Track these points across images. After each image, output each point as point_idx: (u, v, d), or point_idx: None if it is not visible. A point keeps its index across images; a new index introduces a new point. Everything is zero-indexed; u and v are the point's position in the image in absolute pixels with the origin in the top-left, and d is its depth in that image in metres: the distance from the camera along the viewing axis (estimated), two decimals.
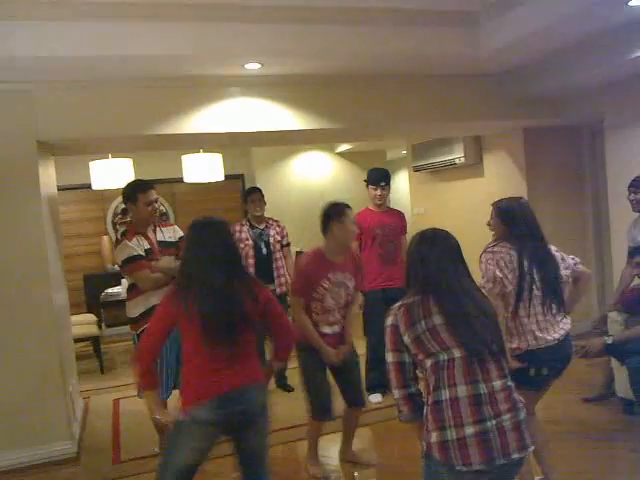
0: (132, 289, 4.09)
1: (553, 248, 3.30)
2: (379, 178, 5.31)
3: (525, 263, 3.11)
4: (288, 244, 5.96)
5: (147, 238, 4.10)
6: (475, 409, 2.20)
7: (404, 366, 2.32)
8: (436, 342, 2.25)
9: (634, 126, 5.28)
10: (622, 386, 4.45)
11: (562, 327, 3.20)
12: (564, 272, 3.27)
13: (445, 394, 2.23)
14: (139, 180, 4.32)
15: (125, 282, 4.67)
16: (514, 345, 3.14)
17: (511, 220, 3.25)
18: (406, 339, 2.29)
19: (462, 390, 2.22)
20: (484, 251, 3.24)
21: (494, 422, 2.19)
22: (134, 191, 4.13)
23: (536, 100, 5.67)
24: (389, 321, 2.35)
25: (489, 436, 2.17)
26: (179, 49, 4.01)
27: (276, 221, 5.96)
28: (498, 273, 3.10)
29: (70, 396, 4.79)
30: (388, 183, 5.35)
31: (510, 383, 2.32)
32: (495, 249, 3.19)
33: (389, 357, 2.34)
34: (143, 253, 4.01)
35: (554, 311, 3.18)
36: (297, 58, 4.40)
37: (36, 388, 4.43)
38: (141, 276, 3.94)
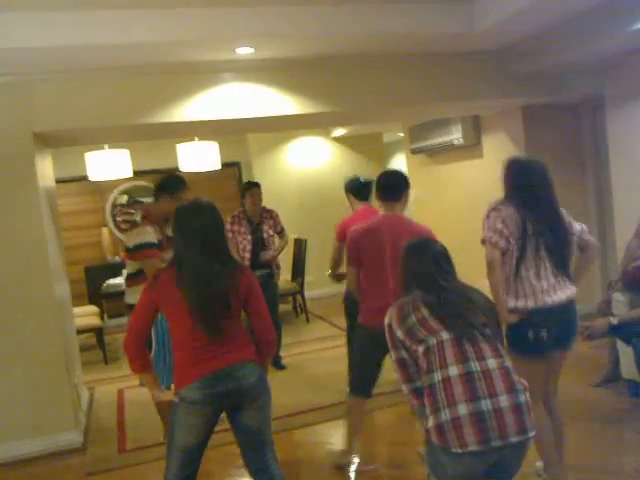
0: (135, 276, 4.09)
1: (562, 211, 3.21)
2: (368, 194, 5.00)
3: (529, 223, 3.04)
4: (282, 229, 6.07)
5: (161, 231, 4.14)
6: (468, 387, 2.23)
7: (405, 362, 2.45)
8: (425, 329, 2.36)
9: (635, 100, 5.24)
10: (628, 368, 4.41)
11: (565, 292, 3.09)
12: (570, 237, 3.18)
13: (437, 376, 2.29)
14: (182, 177, 4.33)
15: (125, 271, 4.66)
16: (512, 304, 3.05)
17: (513, 180, 3.21)
18: (399, 334, 2.42)
19: (453, 369, 2.27)
20: (490, 209, 3.16)
21: (489, 402, 2.21)
22: (179, 185, 4.17)
23: (535, 77, 5.62)
24: (386, 321, 2.51)
25: (484, 416, 2.19)
26: (171, 35, 3.99)
27: (269, 211, 6.05)
28: (503, 227, 3.03)
29: (75, 387, 4.81)
30: None
31: (508, 364, 2.33)
32: (500, 207, 3.12)
33: (392, 355, 2.50)
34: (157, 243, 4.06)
35: (558, 274, 3.09)
36: (290, 41, 4.36)
37: (42, 379, 4.45)
38: (152, 264, 3.92)
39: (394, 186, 3.75)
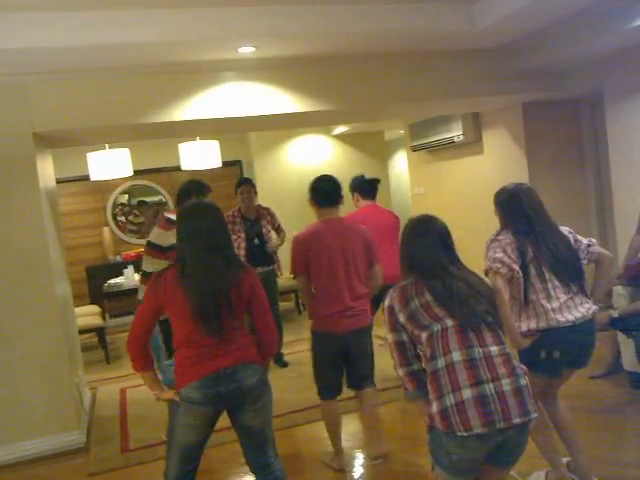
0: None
1: (565, 230, 3.19)
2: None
3: (530, 248, 3.03)
4: (279, 226, 6.20)
5: None
6: (471, 372, 2.26)
7: (404, 345, 2.43)
8: (429, 315, 2.37)
9: (634, 96, 5.24)
10: (629, 360, 4.45)
11: (580, 310, 3.04)
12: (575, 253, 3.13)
13: (441, 362, 2.30)
14: (205, 182, 4.36)
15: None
16: (524, 327, 3.04)
17: (504, 209, 3.21)
18: (401, 318, 2.41)
19: (457, 355, 2.29)
20: (490, 241, 3.16)
21: (492, 385, 2.24)
22: (205, 189, 4.23)
23: (535, 73, 5.61)
24: (386, 303, 2.49)
25: (488, 400, 2.22)
26: (172, 35, 3.99)
27: (266, 209, 6.15)
28: (504, 256, 3.01)
29: (77, 387, 4.82)
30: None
31: (508, 350, 2.36)
32: (500, 237, 3.12)
33: (389, 337, 2.47)
34: None
35: (571, 294, 3.04)
36: (291, 39, 4.36)
37: (44, 380, 4.46)
38: None
39: (331, 193, 3.75)
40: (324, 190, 3.74)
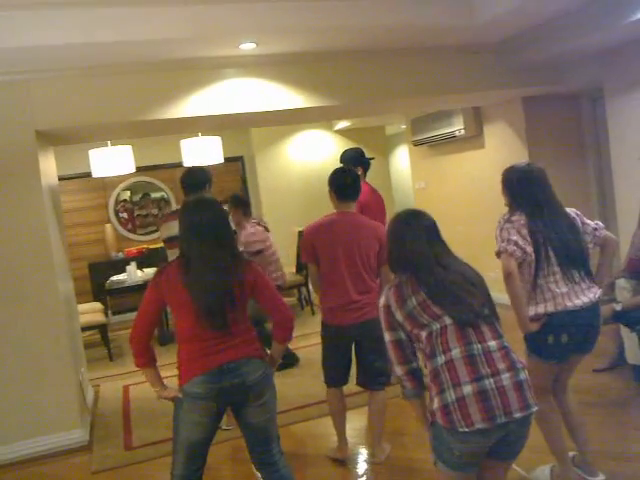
0: None
1: (572, 212, 3.16)
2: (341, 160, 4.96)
3: (540, 230, 3.00)
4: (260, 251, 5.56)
5: None
6: (471, 368, 2.25)
7: (402, 343, 2.42)
8: (427, 314, 2.34)
9: (634, 90, 5.22)
10: (633, 353, 4.44)
11: (588, 295, 3.03)
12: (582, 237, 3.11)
13: (441, 359, 2.29)
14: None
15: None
16: (532, 312, 3.02)
17: (512, 191, 3.16)
18: (398, 316, 2.39)
19: (456, 352, 2.28)
20: (504, 221, 3.10)
21: (492, 380, 2.23)
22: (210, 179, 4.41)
23: (535, 68, 5.61)
24: (381, 302, 2.46)
25: (488, 395, 2.21)
26: (173, 32, 3.99)
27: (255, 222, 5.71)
28: (519, 238, 2.98)
29: (80, 384, 4.82)
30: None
31: (507, 344, 2.35)
32: (513, 218, 3.07)
33: (386, 336, 2.45)
34: None
35: (577, 279, 3.03)
36: (292, 35, 4.36)
37: (47, 377, 4.46)
38: None
39: (353, 186, 3.76)
40: (346, 184, 3.75)
